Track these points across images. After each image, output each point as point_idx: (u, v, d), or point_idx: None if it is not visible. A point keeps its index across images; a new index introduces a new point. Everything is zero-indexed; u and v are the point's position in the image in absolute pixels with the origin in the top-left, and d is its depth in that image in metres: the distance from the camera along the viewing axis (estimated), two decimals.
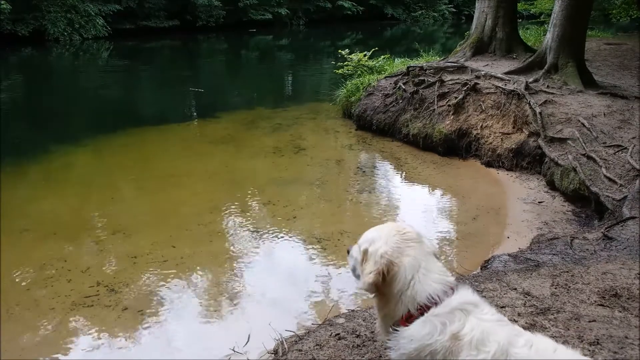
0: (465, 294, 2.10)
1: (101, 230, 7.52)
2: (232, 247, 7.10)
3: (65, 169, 10.59)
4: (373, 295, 2.20)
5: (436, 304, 2.02)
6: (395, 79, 12.92)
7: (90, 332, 5.14)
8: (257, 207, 8.65)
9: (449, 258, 6.93)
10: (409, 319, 2.03)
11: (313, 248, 6.95)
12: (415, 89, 11.93)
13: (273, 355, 3.93)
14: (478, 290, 4.38)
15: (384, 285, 2.10)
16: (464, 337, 1.92)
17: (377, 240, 2.21)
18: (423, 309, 2.02)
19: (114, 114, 16.18)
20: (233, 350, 4.51)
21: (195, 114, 16.40)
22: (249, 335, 4.69)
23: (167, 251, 6.72)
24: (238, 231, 7.70)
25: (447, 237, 7.52)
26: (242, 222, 7.98)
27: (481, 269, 5.68)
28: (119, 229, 7.39)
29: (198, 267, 6.40)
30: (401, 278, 2.09)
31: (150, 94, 20.54)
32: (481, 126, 10.43)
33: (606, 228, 5.88)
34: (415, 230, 2.29)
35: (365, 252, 2.20)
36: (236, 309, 5.61)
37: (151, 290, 5.84)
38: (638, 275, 4.52)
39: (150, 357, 4.80)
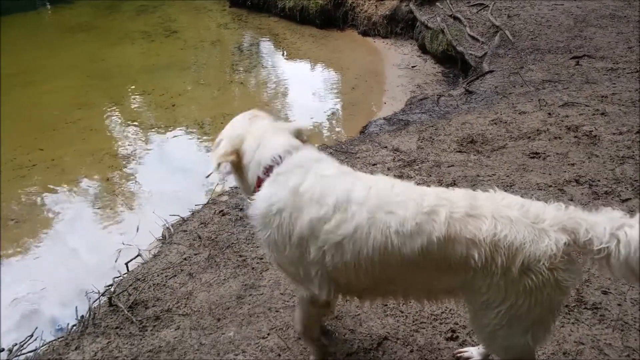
0: (307, 152, 2.13)
1: None
2: (108, 144, 6.70)
3: None
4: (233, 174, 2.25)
5: (278, 163, 2.06)
6: None
7: None
8: (131, 99, 8.10)
9: (335, 129, 7.16)
10: (260, 184, 2.07)
11: (196, 134, 6.79)
12: None
13: (161, 240, 3.96)
14: (353, 153, 4.63)
15: (238, 162, 2.15)
16: (304, 193, 1.98)
17: (229, 129, 2.27)
18: (268, 170, 2.06)
19: None
20: (123, 243, 4.45)
21: (45, 0, 14.28)
22: (138, 227, 4.62)
23: (34, 155, 6.19)
24: (113, 126, 7.25)
25: (332, 109, 7.68)
26: (116, 116, 7.49)
27: (360, 134, 5.95)
28: None
29: (74, 168, 6.01)
30: (248, 149, 2.14)
31: None
32: None
33: (467, 83, 6.34)
34: (269, 117, 2.32)
35: (219, 143, 2.22)
36: (124, 204, 5.45)
37: (23, 197, 5.45)
38: (491, 122, 5.02)
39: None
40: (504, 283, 1.83)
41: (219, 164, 2.14)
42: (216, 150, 2.18)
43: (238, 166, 2.18)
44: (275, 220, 2.00)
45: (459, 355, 2.49)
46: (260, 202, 2.03)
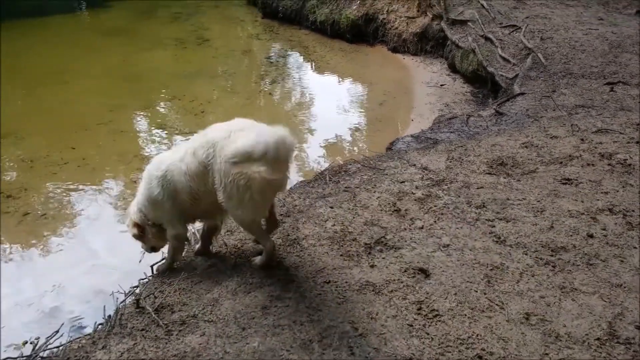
0: None
1: None
2: (138, 146, 6.82)
3: None
4: None
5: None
6: None
7: None
8: (161, 103, 8.25)
9: (360, 144, 7.15)
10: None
11: None
12: None
13: (187, 245, 3.97)
14: (381, 169, 4.62)
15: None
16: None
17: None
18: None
19: None
20: None
21: (82, 3, 14.70)
22: None
23: (66, 153, 6.33)
24: (143, 129, 7.37)
25: (358, 124, 7.70)
26: (146, 120, 7.63)
27: (386, 150, 5.94)
28: (9, 132, 6.77)
29: (104, 168, 6.13)
30: None
31: None
32: (387, 10, 10.34)
33: (498, 104, 6.29)
34: None
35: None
36: None
37: (54, 195, 5.57)
38: (522, 145, 4.96)
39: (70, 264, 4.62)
40: (217, 168, 2.84)
41: None
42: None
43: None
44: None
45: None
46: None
